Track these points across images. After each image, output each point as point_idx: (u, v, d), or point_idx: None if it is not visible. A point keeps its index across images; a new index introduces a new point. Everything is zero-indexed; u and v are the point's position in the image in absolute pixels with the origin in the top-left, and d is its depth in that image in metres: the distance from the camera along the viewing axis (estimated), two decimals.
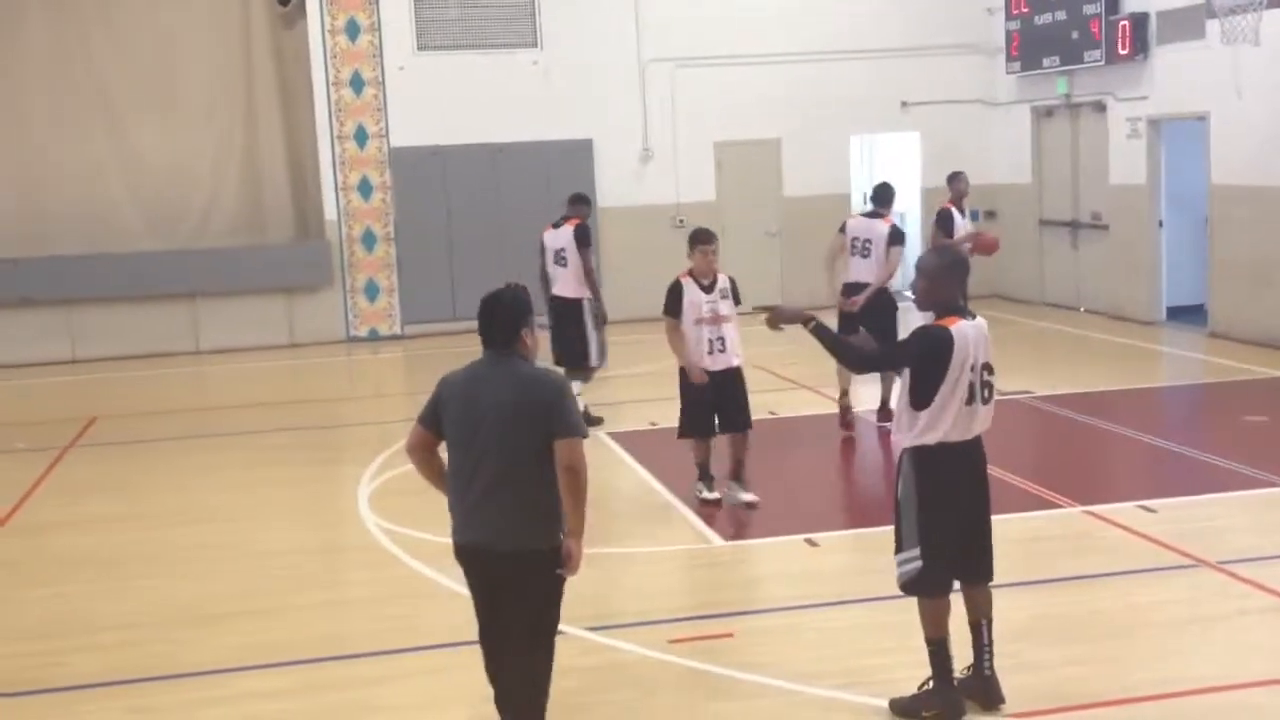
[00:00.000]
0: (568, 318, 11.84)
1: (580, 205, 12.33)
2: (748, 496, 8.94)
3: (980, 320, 5.66)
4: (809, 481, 9.81)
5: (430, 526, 8.80)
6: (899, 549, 5.76)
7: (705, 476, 9.14)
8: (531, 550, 5.08)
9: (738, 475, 9.03)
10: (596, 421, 11.41)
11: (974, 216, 13.96)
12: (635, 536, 8.61)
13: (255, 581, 8.03)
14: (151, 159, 17.55)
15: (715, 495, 9.08)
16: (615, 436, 11.29)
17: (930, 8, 18.97)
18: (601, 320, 11.95)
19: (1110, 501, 8.74)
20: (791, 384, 12.77)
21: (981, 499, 5.74)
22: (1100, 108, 17.02)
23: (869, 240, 11.20)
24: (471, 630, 6.61)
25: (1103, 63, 16.38)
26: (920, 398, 5.54)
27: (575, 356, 11.77)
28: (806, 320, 5.79)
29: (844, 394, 11.18)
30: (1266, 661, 6.18)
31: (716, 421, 9.02)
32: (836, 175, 19.12)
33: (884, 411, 11.19)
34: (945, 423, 5.53)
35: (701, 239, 9.06)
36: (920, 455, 5.61)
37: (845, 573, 7.81)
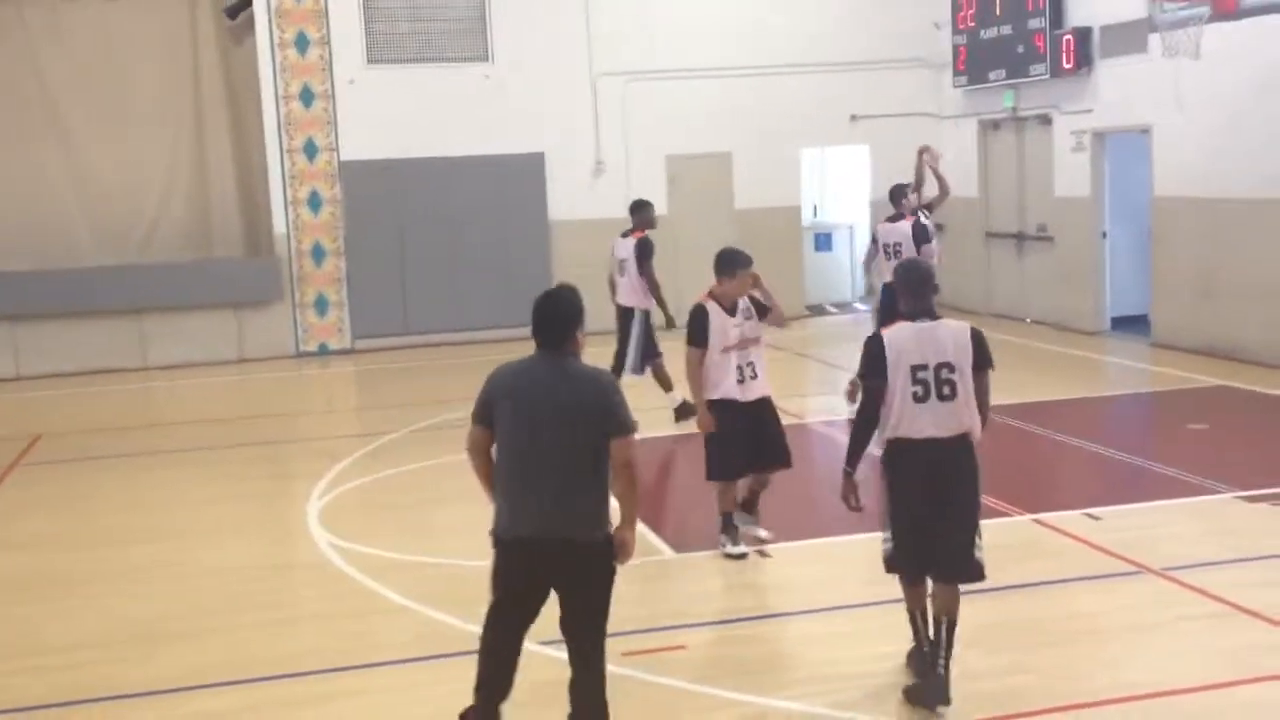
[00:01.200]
0: (622, 325, 12.26)
1: (641, 213, 12.48)
2: (765, 533, 8.36)
3: (943, 321, 5.96)
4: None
5: (380, 542, 8.81)
6: (883, 529, 6.14)
7: (731, 528, 8.22)
8: (584, 541, 5.26)
9: (752, 507, 8.38)
10: None
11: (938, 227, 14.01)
12: None
13: (205, 600, 7.97)
14: (98, 173, 17.40)
15: (743, 550, 8.17)
16: None
17: (878, 22, 19.16)
18: (669, 326, 12.09)
19: (1056, 510, 8.86)
20: None
21: (943, 501, 5.89)
22: (1045, 120, 17.25)
23: (899, 242, 12.18)
24: (423, 646, 6.59)
25: (1047, 76, 16.61)
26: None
27: (617, 362, 12.16)
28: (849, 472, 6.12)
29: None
30: (1208, 667, 6.27)
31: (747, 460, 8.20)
32: (787, 188, 19.26)
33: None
34: (892, 420, 5.88)
35: (744, 262, 8.12)
36: (886, 449, 5.99)
37: (798, 584, 7.86)
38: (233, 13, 17.59)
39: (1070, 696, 5.97)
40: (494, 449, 5.38)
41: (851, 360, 15.52)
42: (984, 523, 8.49)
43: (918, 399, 5.83)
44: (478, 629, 6.98)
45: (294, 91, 17.63)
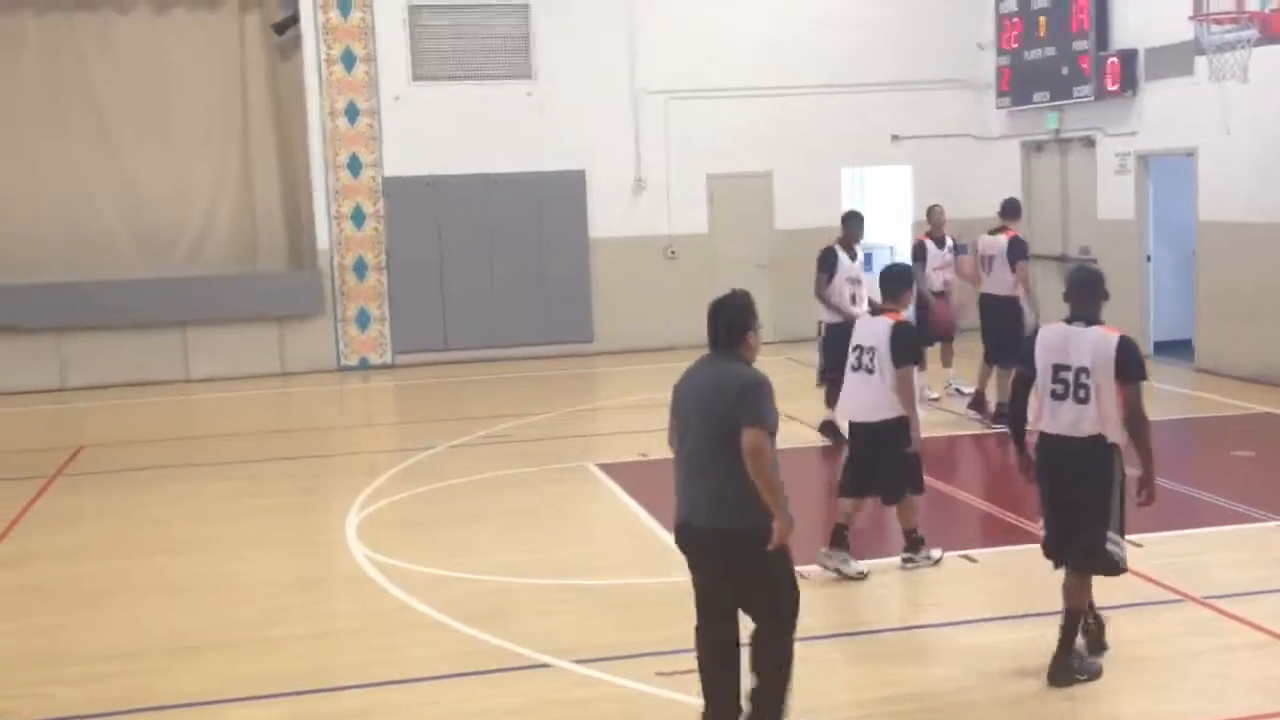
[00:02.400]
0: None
1: (844, 225, 12.31)
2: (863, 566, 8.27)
3: (1095, 328, 6.28)
4: (800, 513, 9.78)
5: (419, 557, 8.83)
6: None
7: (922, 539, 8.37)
8: (726, 530, 5.50)
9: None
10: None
11: (961, 249, 14.12)
12: (624, 567, 8.61)
13: (241, 612, 8.01)
14: (145, 186, 17.58)
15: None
16: (605, 468, 11.30)
17: (921, 42, 19.11)
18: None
19: None
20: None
21: (1071, 495, 6.30)
22: (1089, 143, 17.13)
23: (992, 256, 12.71)
24: (459, 663, 6.62)
25: (1092, 98, 16.50)
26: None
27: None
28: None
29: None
30: (1250, 697, 6.19)
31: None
32: (828, 208, 19.14)
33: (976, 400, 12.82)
34: (1036, 411, 6.43)
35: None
36: (1036, 440, 6.46)
37: (833, 606, 7.79)
38: (280, 29, 17.78)
39: None
40: None
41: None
42: (1024, 548, 8.59)
43: (1056, 396, 6.29)
44: (513, 646, 7.06)
45: (339, 107, 17.78)
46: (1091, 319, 6.34)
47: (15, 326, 16.93)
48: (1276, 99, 13.81)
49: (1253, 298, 14.38)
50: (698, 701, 5.93)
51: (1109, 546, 6.27)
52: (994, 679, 6.44)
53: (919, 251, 13.93)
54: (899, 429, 8.01)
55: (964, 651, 6.94)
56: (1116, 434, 6.22)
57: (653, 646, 7.04)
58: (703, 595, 5.70)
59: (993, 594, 7.94)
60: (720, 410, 5.46)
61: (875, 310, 8.48)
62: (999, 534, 9.19)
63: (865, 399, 8.16)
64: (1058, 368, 6.29)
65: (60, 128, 17.38)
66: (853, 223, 12.23)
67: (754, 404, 5.45)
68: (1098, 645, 6.64)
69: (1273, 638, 6.86)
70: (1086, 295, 6.43)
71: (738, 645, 5.69)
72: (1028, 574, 8.12)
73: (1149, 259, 16.32)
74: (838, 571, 8.06)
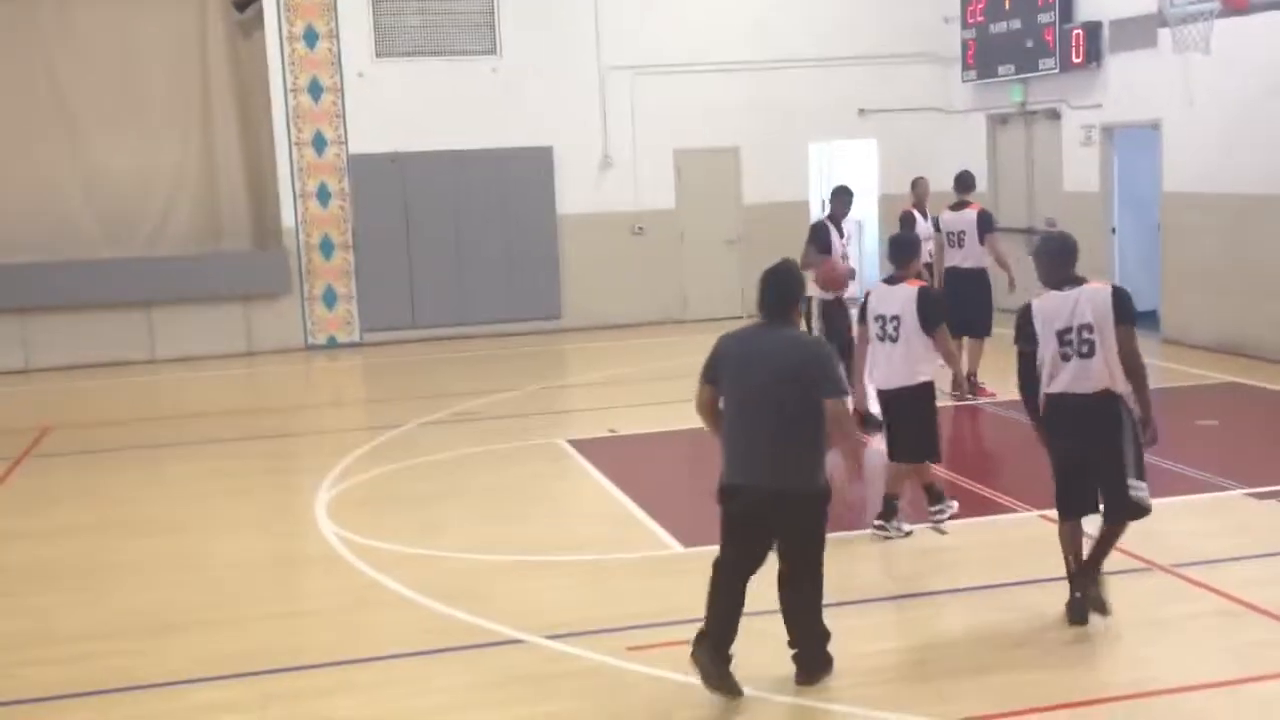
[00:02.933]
0: None
1: (832, 198, 12.41)
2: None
3: (1084, 286, 6.59)
4: None
5: (389, 535, 8.82)
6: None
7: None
8: (790, 491, 5.82)
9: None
10: None
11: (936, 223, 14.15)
12: (594, 543, 8.62)
13: (213, 592, 7.99)
14: (108, 166, 17.40)
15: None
16: (575, 444, 11.30)
17: (887, 16, 19.12)
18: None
19: None
20: None
21: (1090, 448, 6.54)
22: (1054, 115, 17.20)
23: (962, 231, 12.66)
24: (431, 640, 6.59)
25: (1057, 71, 16.56)
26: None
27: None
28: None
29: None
30: (1216, 663, 6.26)
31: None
32: (795, 183, 19.23)
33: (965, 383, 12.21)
34: (1047, 376, 6.61)
35: None
36: (1044, 405, 6.68)
37: None
38: (241, 6, 17.61)
39: (1080, 692, 5.96)
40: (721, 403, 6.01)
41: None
42: (995, 519, 8.69)
43: (1065, 358, 6.53)
44: (485, 622, 7.06)
45: (303, 85, 17.64)
46: (1073, 280, 6.62)
47: None
48: (1239, 71, 13.91)
49: (1218, 268, 14.50)
50: (669, 675, 5.99)
51: (1133, 493, 6.54)
52: (965, 648, 6.49)
53: (908, 221, 13.81)
54: (919, 394, 8.32)
55: (937, 621, 7.01)
56: (1122, 385, 6.53)
57: (624, 622, 7.06)
58: (737, 544, 5.94)
59: (964, 565, 7.99)
60: (793, 374, 5.75)
61: (891, 279, 8.60)
62: (971, 507, 9.24)
63: (888, 366, 8.41)
64: (1061, 332, 6.53)
65: (22, 111, 17.16)
66: (841, 198, 12.23)
67: (834, 373, 5.84)
68: (1080, 617, 6.69)
69: (1239, 605, 6.94)
70: (1067, 260, 6.71)
71: (745, 587, 5.98)
72: (999, 546, 8.22)
73: (1114, 230, 16.42)
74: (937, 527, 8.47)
